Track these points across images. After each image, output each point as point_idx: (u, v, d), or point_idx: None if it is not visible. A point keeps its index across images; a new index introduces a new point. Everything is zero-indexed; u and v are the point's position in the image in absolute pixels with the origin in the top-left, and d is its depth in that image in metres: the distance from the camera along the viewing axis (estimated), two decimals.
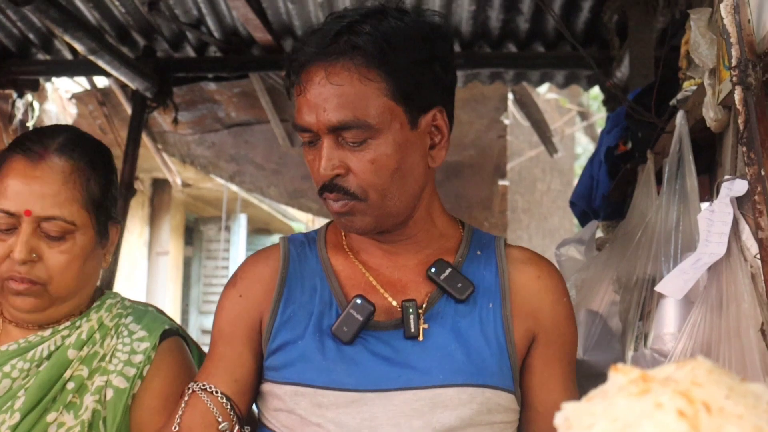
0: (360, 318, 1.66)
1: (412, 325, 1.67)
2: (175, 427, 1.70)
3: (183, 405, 1.72)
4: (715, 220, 1.89)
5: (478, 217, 6.17)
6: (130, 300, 1.98)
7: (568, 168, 10.09)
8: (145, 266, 10.08)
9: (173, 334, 1.92)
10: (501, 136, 5.70)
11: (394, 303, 1.70)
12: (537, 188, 10.02)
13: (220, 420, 1.70)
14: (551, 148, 5.91)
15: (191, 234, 11.68)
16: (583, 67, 4.55)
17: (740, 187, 1.80)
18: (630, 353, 2.26)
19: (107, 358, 1.85)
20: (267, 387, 1.73)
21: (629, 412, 0.86)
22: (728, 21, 1.63)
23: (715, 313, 1.86)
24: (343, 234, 1.80)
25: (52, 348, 1.84)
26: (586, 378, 2.56)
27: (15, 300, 1.81)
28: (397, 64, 1.62)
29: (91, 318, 1.88)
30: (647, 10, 3.69)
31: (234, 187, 8.40)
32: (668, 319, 2.07)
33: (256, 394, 1.77)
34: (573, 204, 3.38)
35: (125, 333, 1.88)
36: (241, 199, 10.69)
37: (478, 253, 1.77)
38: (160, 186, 9.84)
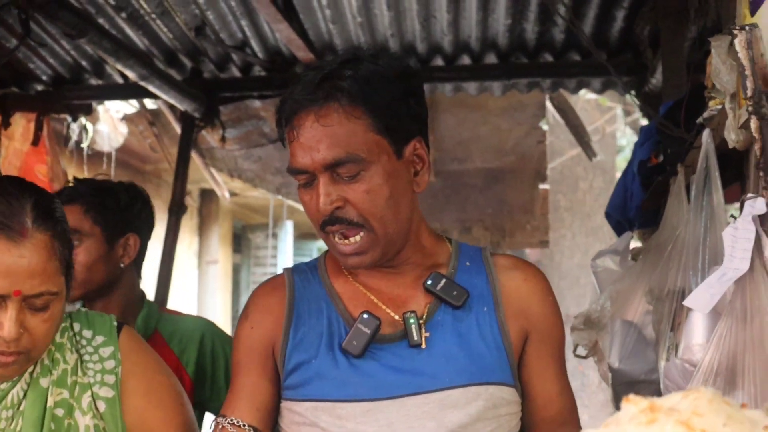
0: (368, 331, 1.82)
1: (414, 334, 1.83)
2: None
3: None
4: (738, 236, 1.99)
5: (520, 220, 6.28)
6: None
7: (610, 166, 10.12)
8: (196, 276, 10.29)
9: (121, 326, 1.99)
10: (540, 141, 5.81)
11: (396, 316, 1.87)
12: (579, 187, 10.07)
13: None
14: (590, 152, 6.00)
15: (239, 242, 11.88)
16: (619, 74, 4.63)
17: (762, 205, 1.91)
18: (662, 363, 2.35)
19: (78, 372, 1.90)
20: (287, 405, 1.88)
21: None
22: (743, 54, 1.73)
23: (740, 325, 1.96)
24: None
25: (25, 387, 1.86)
26: (622, 386, 2.67)
27: None
28: (378, 102, 1.79)
29: None
30: (679, 20, 3.76)
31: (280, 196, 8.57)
32: (697, 331, 2.17)
33: (277, 415, 1.92)
34: (608, 215, 3.47)
35: (83, 342, 1.93)
36: (287, 206, 10.86)
37: (468, 264, 1.96)
38: (207, 196, 10.04)
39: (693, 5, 3.60)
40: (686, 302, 2.06)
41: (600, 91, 5.12)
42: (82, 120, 5.25)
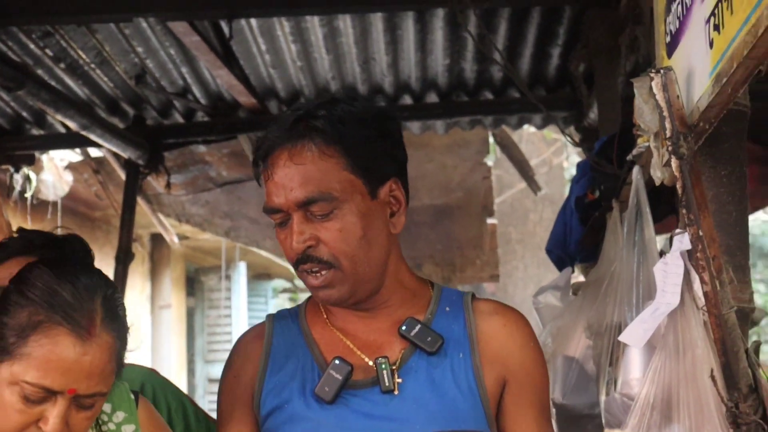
0: (339, 377, 1.81)
1: (386, 380, 1.82)
2: None
3: None
4: (669, 272, 2.03)
5: (469, 255, 6.32)
6: None
7: (558, 197, 10.22)
8: (149, 320, 10.21)
9: (137, 396, 1.93)
10: (485, 177, 5.88)
11: (370, 362, 1.85)
12: (530, 219, 10.17)
13: None
14: (534, 186, 6.09)
15: (192, 285, 11.80)
16: (558, 109, 4.71)
17: (688, 241, 1.95)
18: (603, 397, 2.39)
19: None
20: None
21: None
22: (659, 97, 1.78)
23: (674, 359, 1.99)
24: (321, 305, 1.95)
25: None
26: (566, 421, 2.70)
27: None
28: (352, 141, 1.80)
29: None
30: (612, 57, 3.85)
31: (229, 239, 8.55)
32: (633, 365, 2.21)
33: None
34: (549, 251, 3.52)
35: (104, 418, 1.87)
36: (239, 248, 10.83)
37: (447, 309, 1.93)
38: (158, 240, 9.98)
39: (624, 42, 3.68)
40: (621, 338, 2.09)
41: (541, 127, 5.20)
42: (25, 170, 5.22)
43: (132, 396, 1.92)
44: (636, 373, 2.21)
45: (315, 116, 1.81)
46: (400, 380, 1.84)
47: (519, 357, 1.90)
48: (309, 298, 2.00)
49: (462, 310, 1.93)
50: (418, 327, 1.86)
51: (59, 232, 2.87)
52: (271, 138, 1.82)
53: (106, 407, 1.86)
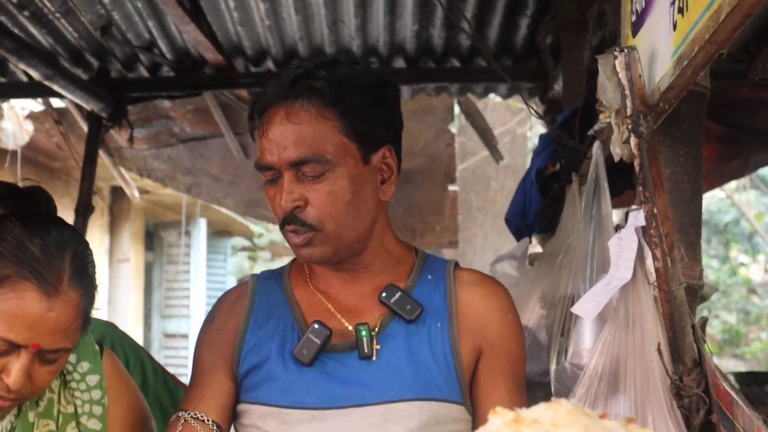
0: (318, 341, 1.84)
1: (365, 346, 1.84)
2: None
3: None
4: (623, 246, 2.07)
5: (429, 221, 6.37)
6: None
7: (521, 166, 10.26)
8: (107, 273, 10.17)
9: (101, 348, 1.95)
10: (449, 144, 5.91)
11: (350, 327, 1.88)
12: (491, 187, 10.21)
13: None
14: (497, 155, 6.13)
15: (152, 239, 11.76)
16: (523, 80, 4.74)
17: (643, 217, 2.00)
18: (553, 366, 2.44)
19: (62, 401, 1.86)
20: (241, 407, 1.90)
21: None
22: (622, 75, 1.81)
23: (623, 332, 2.04)
24: (305, 267, 1.98)
25: (13, 420, 1.81)
26: None
27: None
28: (350, 106, 1.81)
29: None
30: (579, 30, 3.87)
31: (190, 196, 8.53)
32: (584, 336, 2.26)
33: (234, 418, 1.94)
34: (508, 221, 3.56)
35: (68, 368, 1.88)
36: (200, 204, 10.80)
37: (429, 277, 1.95)
38: (118, 193, 9.92)
39: (592, 17, 3.71)
40: (573, 309, 2.14)
41: (506, 96, 5.23)
42: None
43: (97, 347, 1.93)
44: (586, 343, 2.26)
45: (315, 77, 1.81)
46: (378, 346, 1.86)
47: (496, 328, 1.92)
48: (294, 260, 2.03)
49: (444, 278, 1.95)
50: (398, 294, 1.89)
51: (21, 183, 2.86)
52: (269, 94, 1.82)
53: (72, 358, 1.88)
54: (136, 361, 2.84)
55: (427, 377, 1.84)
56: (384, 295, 1.89)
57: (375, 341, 1.86)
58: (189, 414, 1.88)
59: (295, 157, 1.77)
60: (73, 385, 1.88)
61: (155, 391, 2.85)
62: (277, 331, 1.91)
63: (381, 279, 1.93)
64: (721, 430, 1.76)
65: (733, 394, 1.67)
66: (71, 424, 1.86)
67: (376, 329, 1.87)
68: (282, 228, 1.85)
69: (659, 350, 1.88)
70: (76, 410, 1.87)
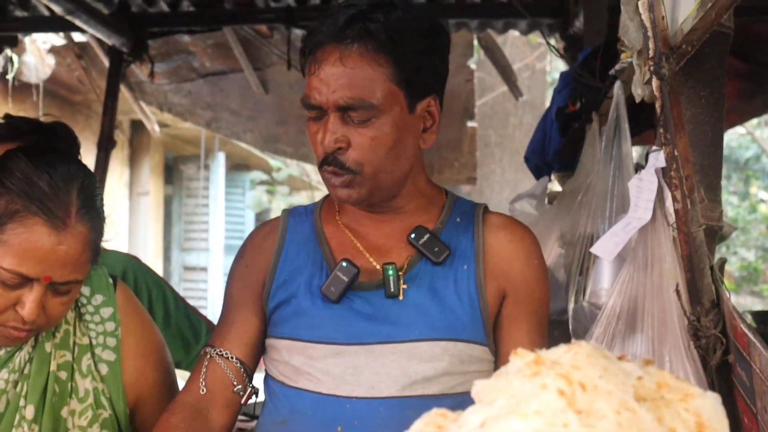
0: (345, 279, 1.87)
1: (392, 286, 1.87)
2: (202, 390, 1.92)
3: (204, 369, 1.94)
4: (643, 187, 2.09)
5: (448, 157, 6.36)
6: None
7: (540, 102, 10.23)
8: (127, 207, 10.25)
9: (115, 281, 2.00)
10: (468, 80, 5.88)
11: (377, 266, 1.91)
12: (510, 123, 10.17)
13: (235, 383, 1.94)
14: (516, 92, 6.11)
15: (171, 173, 11.81)
16: (543, 16, 4.70)
17: (663, 159, 2.01)
18: (571, 305, 2.47)
19: (78, 332, 1.91)
20: (269, 341, 1.96)
21: (522, 390, 1.07)
22: (645, 16, 1.81)
23: (642, 272, 2.06)
24: (336, 205, 2.00)
25: (30, 350, 1.87)
26: None
27: (2, 339, 1.82)
28: (403, 53, 1.80)
29: None
30: None
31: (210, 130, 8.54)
32: (603, 276, 2.28)
33: (263, 351, 1.99)
34: (527, 159, 3.57)
35: (82, 300, 1.93)
36: (219, 138, 10.81)
37: (458, 220, 1.97)
38: (138, 127, 9.95)
39: None
40: (593, 249, 2.16)
41: (526, 32, 5.19)
42: (8, 52, 5.17)
43: (110, 280, 1.98)
44: (605, 283, 2.29)
45: (372, 20, 1.81)
46: (404, 286, 1.89)
47: (521, 271, 1.94)
48: (326, 197, 2.06)
49: (472, 222, 1.96)
50: (426, 236, 1.91)
51: (43, 118, 2.89)
52: (323, 32, 1.82)
53: (85, 290, 1.94)
54: (158, 294, 2.88)
55: (452, 318, 1.87)
56: (413, 236, 1.91)
57: (402, 281, 1.89)
58: (215, 350, 1.95)
59: (345, 101, 1.79)
60: (88, 317, 1.93)
61: (177, 323, 2.90)
62: (306, 267, 1.94)
63: (411, 220, 1.95)
64: (737, 371, 1.79)
65: (751, 335, 1.69)
66: (87, 355, 1.90)
67: (404, 269, 1.90)
68: (321, 167, 1.86)
69: (677, 291, 1.90)
70: (90, 342, 1.92)
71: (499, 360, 1.93)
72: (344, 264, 1.88)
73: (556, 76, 13.82)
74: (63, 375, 1.88)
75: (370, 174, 1.83)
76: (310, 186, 13.65)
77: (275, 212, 12.96)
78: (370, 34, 1.79)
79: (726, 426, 1.10)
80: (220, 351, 1.94)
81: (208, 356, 1.95)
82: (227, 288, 2.03)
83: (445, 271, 1.91)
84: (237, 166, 13.04)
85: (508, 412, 1.05)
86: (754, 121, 12.40)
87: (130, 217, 10.30)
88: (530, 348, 1.93)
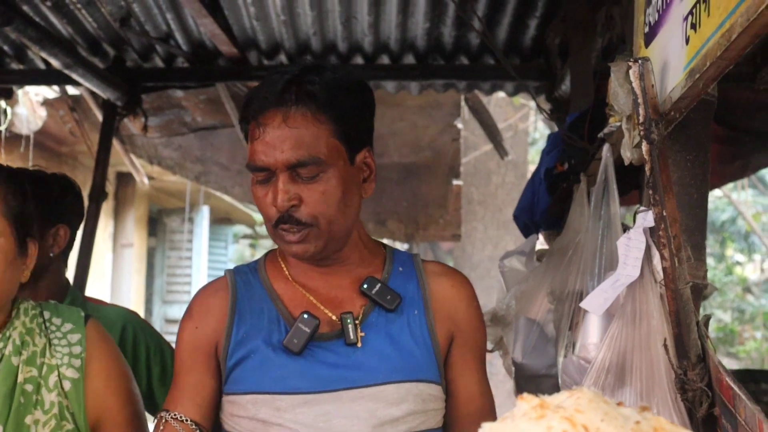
0: (308, 330, 1.95)
1: (351, 334, 1.96)
2: None
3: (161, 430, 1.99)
4: (631, 246, 2.17)
5: (433, 214, 6.47)
6: (32, 301, 2.16)
7: (522, 161, 10.38)
8: (110, 258, 10.26)
9: (88, 317, 2.14)
10: (455, 139, 6.01)
11: (334, 317, 1.99)
12: (492, 181, 10.30)
13: None
14: (502, 151, 6.24)
15: (155, 225, 11.86)
16: (530, 79, 4.83)
17: (651, 219, 2.09)
18: (561, 359, 2.54)
19: (46, 354, 2.03)
20: (229, 399, 2.00)
21: None
22: (635, 85, 1.91)
23: (630, 327, 2.14)
24: (281, 261, 2.08)
25: None
26: (524, 379, 2.86)
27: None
28: (341, 109, 1.93)
29: (16, 325, 2.04)
30: (587, 32, 3.96)
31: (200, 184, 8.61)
32: (592, 330, 2.35)
33: (218, 410, 2.03)
34: (516, 217, 3.66)
35: (52, 328, 2.08)
36: (204, 191, 10.88)
37: (400, 269, 2.09)
38: (123, 179, 10.01)
39: (600, 19, 3.80)
40: (582, 304, 2.24)
41: (512, 94, 5.32)
42: (2, 103, 5.25)
43: (82, 314, 2.12)
44: (594, 338, 2.35)
45: (310, 81, 1.91)
46: (362, 334, 1.98)
47: (466, 314, 2.09)
48: (266, 255, 2.14)
49: (414, 270, 2.09)
50: (378, 286, 2.02)
51: (31, 168, 2.97)
52: (263, 98, 1.91)
53: (56, 321, 2.10)
54: (156, 349, 2.93)
55: (411, 360, 1.98)
56: (365, 286, 2.01)
57: (359, 329, 1.98)
58: (170, 414, 1.99)
59: (294, 159, 1.88)
60: (56, 341, 2.06)
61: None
62: (263, 323, 2.00)
63: (358, 271, 2.05)
64: (723, 423, 1.85)
65: (736, 388, 1.76)
66: (54, 373, 2.02)
67: (359, 318, 1.99)
68: (275, 227, 1.94)
69: (665, 345, 1.97)
70: (57, 362, 2.04)
71: (449, 397, 2.06)
72: (305, 316, 1.95)
73: (538, 136, 13.99)
74: (29, 387, 2.00)
75: (325, 226, 1.93)
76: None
77: None
78: (309, 95, 1.90)
79: None
80: (175, 414, 1.99)
81: (164, 420, 1.99)
82: (177, 351, 2.07)
83: (398, 317, 2.01)
84: (220, 219, 13.10)
85: None
86: (731, 184, 12.58)
87: (113, 268, 10.31)
88: (481, 385, 2.09)
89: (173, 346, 3.08)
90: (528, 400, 1.19)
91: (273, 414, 1.93)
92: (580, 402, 1.17)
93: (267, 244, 13.93)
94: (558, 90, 4.56)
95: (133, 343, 2.90)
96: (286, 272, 2.06)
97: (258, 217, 12.96)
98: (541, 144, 9.63)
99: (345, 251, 2.04)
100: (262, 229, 13.35)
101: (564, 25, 4.12)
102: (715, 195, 14.77)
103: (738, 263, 17.13)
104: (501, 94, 5.90)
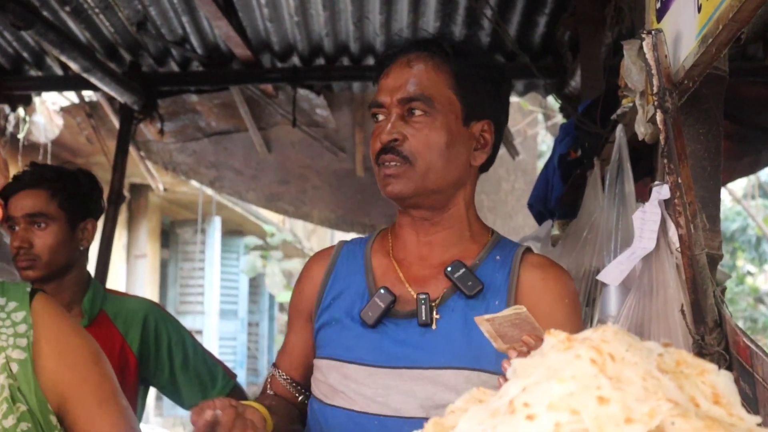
0: (382, 305, 2.00)
1: (423, 314, 1.99)
2: (271, 391, 2.16)
3: (268, 386, 2.17)
4: (646, 219, 2.22)
5: None
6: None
7: (531, 168, 10.43)
8: (124, 269, 10.33)
9: (35, 292, 2.02)
10: None
11: (414, 295, 2.03)
12: (502, 188, 10.34)
13: (297, 395, 2.16)
14: (513, 152, 6.27)
15: (167, 237, 11.93)
16: (541, 76, 4.89)
17: (666, 191, 2.14)
18: None
19: None
20: (315, 362, 2.11)
21: (557, 361, 1.19)
22: (649, 56, 1.96)
23: (647, 298, 2.18)
24: (390, 235, 2.15)
25: None
26: None
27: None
28: (465, 72, 2.03)
29: None
30: (597, 26, 4.02)
31: (210, 191, 8.66)
32: (609, 304, 2.41)
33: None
34: (531, 206, 3.71)
35: None
36: (216, 202, 10.95)
37: (498, 257, 2.08)
38: (137, 191, 10.10)
39: (609, 13, 3.86)
40: (599, 276, 2.29)
41: (523, 94, 5.37)
42: (21, 111, 5.33)
43: (27, 290, 2.01)
44: (611, 311, 2.41)
45: (443, 38, 2.07)
46: (438, 316, 2.00)
47: (549, 310, 2.00)
48: (380, 231, 2.20)
49: (511, 260, 2.07)
50: (462, 270, 2.02)
51: (64, 166, 3.04)
52: (398, 46, 2.06)
53: (1, 300, 1.98)
54: (178, 339, 2.99)
55: (478, 349, 1.96)
56: (449, 269, 2.02)
57: (435, 311, 2.01)
58: (276, 370, 2.17)
59: (407, 93, 1.99)
60: (0, 322, 1.97)
61: (195, 368, 3.01)
62: (349, 293, 2.08)
63: (453, 252, 2.07)
64: (740, 385, 1.89)
65: (753, 347, 1.81)
66: (1, 355, 1.92)
67: (437, 300, 2.02)
68: (377, 159, 2.02)
69: (682, 311, 2.02)
70: (3, 344, 1.95)
71: None
72: (382, 291, 2.01)
73: (545, 147, 14.03)
74: None
75: (421, 167, 1.98)
76: (303, 253, 13.74)
77: (269, 277, 13.03)
78: (438, 47, 2.03)
79: (738, 399, 1.21)
80: (278, 372, 2.17)
81: (270, 374, 2.19)
82: (288, 313, 2.23)
83: (478, 305, 2.01)
84: (231, 231, 13.16)
85: (546, 378, 1.17)
86: (741, 192, 12.61)
87: (127, 279, 10.38)
88: None
89: (194, 336, 3.15)
90: (555, 335, 1.24)
91: (340, 381, 2.01)
92: (606, 334, 1.22)
93: (278, 255, 13.98)
94: (568, 86, 4.61)
95: (155, 333, 2.95)
96: (390, 245, 2.12)
97: (269, 228, 13.03)
98: (547, 157, 9.67)
99: (445, 218, 2.06)
100: (273, 240, 13.41)
101: (573, 20, 4.19)
102: (725, 203, 14.78)
103: (749, 273, 17.09)
104: (512, 98, 5.94)
